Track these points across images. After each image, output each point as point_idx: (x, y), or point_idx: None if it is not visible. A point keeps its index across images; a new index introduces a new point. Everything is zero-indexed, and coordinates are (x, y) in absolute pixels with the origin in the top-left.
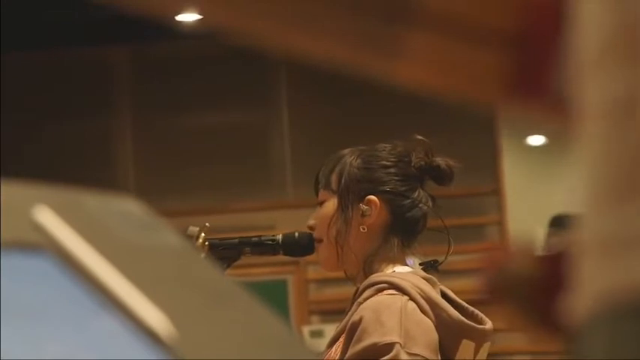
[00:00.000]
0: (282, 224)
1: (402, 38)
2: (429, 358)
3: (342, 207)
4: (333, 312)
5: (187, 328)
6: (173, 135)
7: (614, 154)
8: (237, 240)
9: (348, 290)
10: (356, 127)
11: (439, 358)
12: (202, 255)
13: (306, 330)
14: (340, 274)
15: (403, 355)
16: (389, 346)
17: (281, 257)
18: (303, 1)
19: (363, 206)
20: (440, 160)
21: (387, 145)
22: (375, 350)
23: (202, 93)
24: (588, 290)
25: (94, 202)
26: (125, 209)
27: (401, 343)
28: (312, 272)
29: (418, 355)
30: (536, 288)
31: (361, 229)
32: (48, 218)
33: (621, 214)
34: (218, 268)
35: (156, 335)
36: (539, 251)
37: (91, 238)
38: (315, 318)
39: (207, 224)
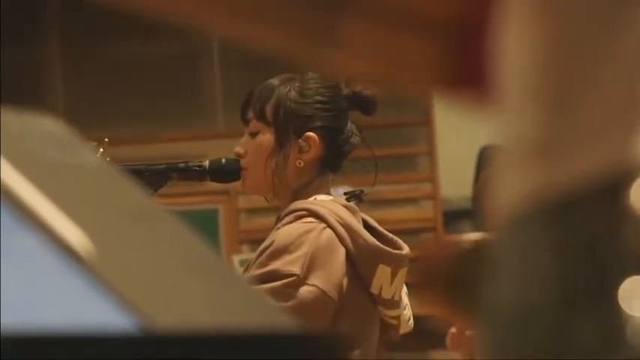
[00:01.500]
0: (213, 154)
1: (340, 27)
2: (327, 292)
3: (280, 142)
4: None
5: (107, 247)
6: (103, 64)
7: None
8: (163, 166)
9: None
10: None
11: (341, 293)
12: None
13: (236, 259)
14: (271, 204)
15: (301, 287)
16: (287, 276)
17: (211, 186)
18: None
19: (301, 142)
20: (366, 90)
21: (315, 74)
22: (274, 277)
23: (132, 22)
24: (504, 198)
25: (12, 119)
26: (45, 128)
27: (300, 275)
28: (243, 201)
29: (316, 286)
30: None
31: (297, 164)
32: None
33: (537, 120)
34: (139, 188)
35: (75, 253)
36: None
37: (9, 155)
38: (245, 247)
39: (106, 139)
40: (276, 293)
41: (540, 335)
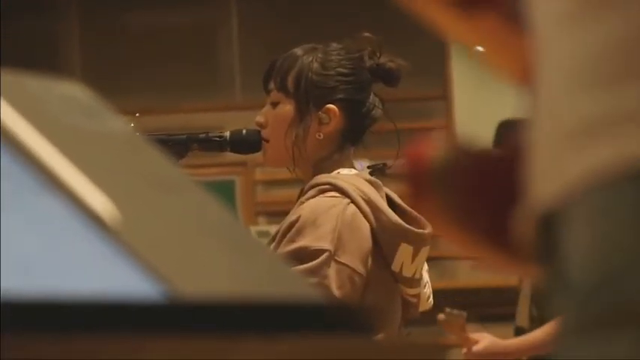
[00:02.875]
0: (231, 126)
1: None
2: (355, 269)
3: (301, 114)
4: (280, 213)
5: (132, 215)
6: (121, 35)
7: (594, 44)
8: (184, 136)
9: (295, 192)
10: (306, 28)
11: (368, 267)
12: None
13: (253, 230)
14: (288, 175)
15: (331, 264)
16: (319, 253)
17: (229, 157)
18: None
19: (321, 114)
20: (390, 62)
21: (338, 45)
22: (305, 254)
23: None
24: (557, 180)
25: (38, 85)
26: (71, 94)
27: (331, 250)
28: (260, 173)
29: (346, 264)
30: (462, 181)
31: (317, 136)
32: None
33: (610, 95)
34: (165, 157)
35: (99, 219)
36: (470, 146)
37: (34, 120)
38: (261, 219)
39: (137, 114)
40: (312, 272)
41: (623, 295)
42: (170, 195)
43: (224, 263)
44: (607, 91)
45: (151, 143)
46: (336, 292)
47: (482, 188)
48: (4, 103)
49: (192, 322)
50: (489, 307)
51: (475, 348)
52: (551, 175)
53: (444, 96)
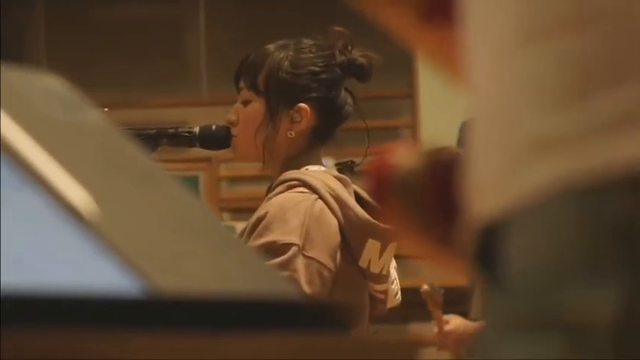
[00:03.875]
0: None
1: None
2: (324, 263)
3: (271, 113)
4: (244, 210)
5: (110, 208)
6: (87, 28)
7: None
8: (154, 131)
9: (259, 188)
10: (273, 24)
11: (336, 263)
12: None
13: None
14: (252, 172)
15: (299, 259)
16: (287, 247)
17: (193, 153)
18: None
19: (292, 113)
20: (361, 58)
21: (310, 42)
22: (273, 248)
23: None
24: (502, 193)
25: (19, 78)
26: (49, 86)
27: (300, 245)
28: (224, 169)
29: (314, 259)
30: (426, 186)
31: (288, 135)
32: None
33: (574, 113)
34: (142, 151)
35: (78, 213)
36: (436, 151)
37: (15, 114)
38: (225, 215)
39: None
40: (281, 267)
41: (555, 304)
42: (149, 189)
43: (203, 258)
44: (551, 112)
45: (129, 137)
46: (305, 286)
47: (443, 198)
48: None
49: (172, 319)
50: (454, 305)
51: (446, 328)
52: (495, 188)
53: (410, 94)
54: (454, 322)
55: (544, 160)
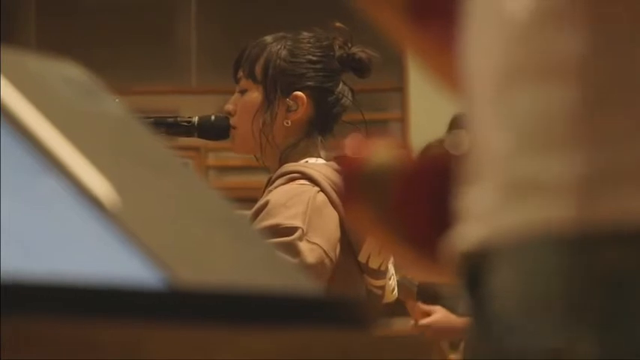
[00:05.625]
0: (185, 109)
1: None
2: (327, 250)
3: (268, 101)
4: (232, 200)
5: (130, 198)
6: (77, 13)
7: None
8: (152, 119)
9: (248, 178)
10: (266, 14)
11: (337, 254)
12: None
13: None
14: (240, 162)
15: (303, 242)
16: (291, 230)
17: (181, 142)
18: None
19: (289, 101)
20: (361, 52)
21: (309, 34)
22: (277, 231)
23: None
24: (489, 224)
25: (38, 64)
26: (69, 74)
27: (304, 229)
28: (213, 159)
29: (317, 245)
30: (393, 183)
31: (285, 123)
32: None
33: (545, 160)
34: (161, 140)
35: (99, 202)
36: (407, 149)
37: (35, 100)
38: None
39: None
40: (285, 248)
41: (529, 338)
42: (168, 179)
43: (222, 249)
44: (539, 155)
45: (146, 126)
46: (310, 270)
47: (410, 197)
48: (4, 82)
49: (192, 311)
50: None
51: (423, 321)
52: (483, 219)
53: (399, 88)
54: (435, 315)
55: (532, 201)
